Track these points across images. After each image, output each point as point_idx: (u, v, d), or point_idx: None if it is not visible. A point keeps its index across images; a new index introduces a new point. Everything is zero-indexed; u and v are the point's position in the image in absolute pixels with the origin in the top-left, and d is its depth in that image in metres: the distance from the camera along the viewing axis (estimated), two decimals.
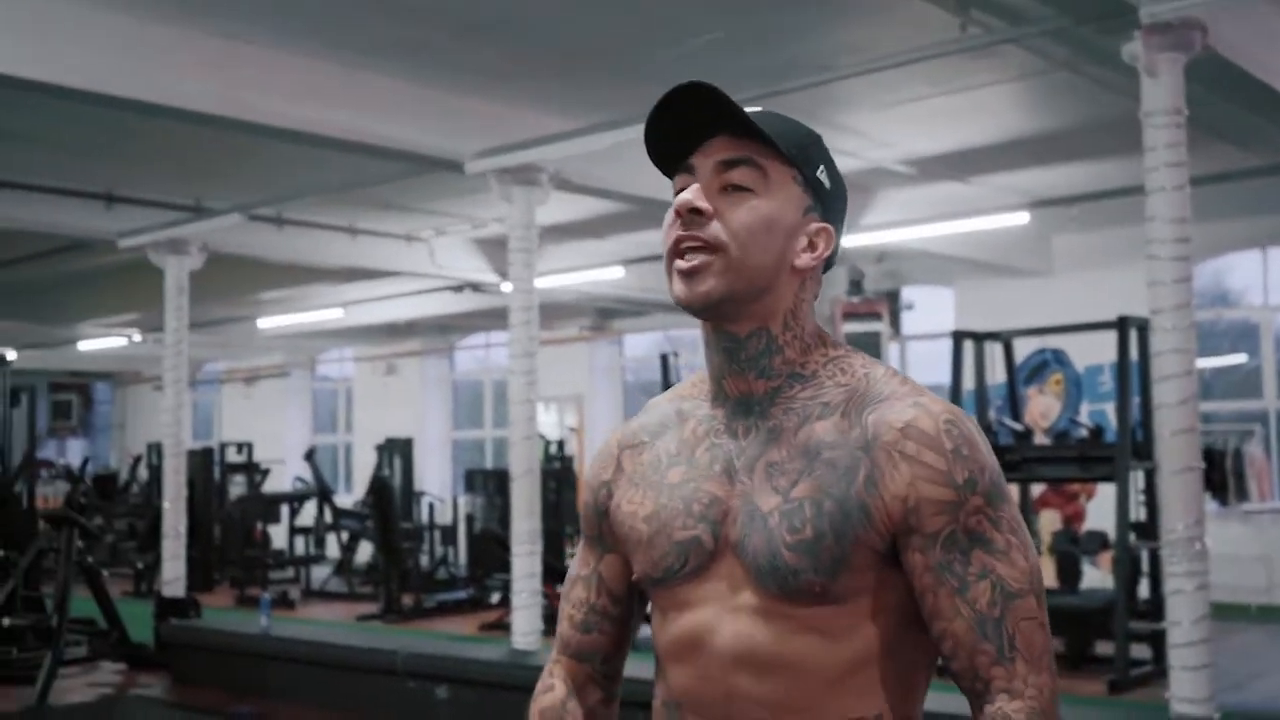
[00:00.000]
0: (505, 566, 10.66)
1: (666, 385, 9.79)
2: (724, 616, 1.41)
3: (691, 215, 1.41)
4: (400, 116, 7.00)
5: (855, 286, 11.32)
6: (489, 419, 16.64)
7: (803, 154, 1.44)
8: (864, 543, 1.36)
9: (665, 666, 1.49)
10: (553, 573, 10.12)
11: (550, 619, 9.14)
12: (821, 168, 1.46)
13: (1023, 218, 9.34)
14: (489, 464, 15.54)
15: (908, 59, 6.01)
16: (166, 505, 9.29)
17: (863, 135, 8.02)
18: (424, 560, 12.29)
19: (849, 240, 9.96)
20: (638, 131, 6.02)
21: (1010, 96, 7.30)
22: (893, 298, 12.21)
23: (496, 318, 13.94)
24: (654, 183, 6.52)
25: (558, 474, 11.68)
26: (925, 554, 1.35)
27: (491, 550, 10.89)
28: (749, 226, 1.40)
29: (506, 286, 11.17)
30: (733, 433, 1.47)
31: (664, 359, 10.00)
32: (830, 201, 1.48)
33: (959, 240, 9.99)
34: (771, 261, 1.42)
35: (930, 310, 12.71)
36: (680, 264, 1.42)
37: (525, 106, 7.36)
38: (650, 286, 12.43)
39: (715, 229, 1.40)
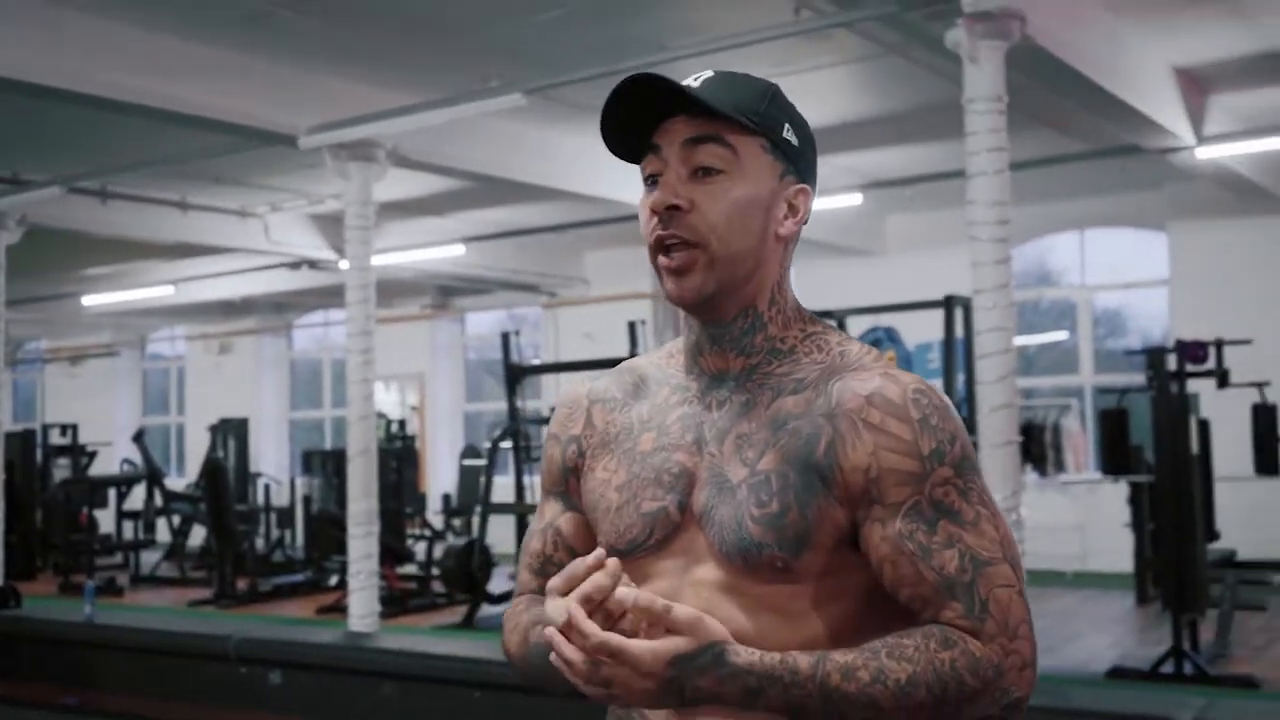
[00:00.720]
0: (343, 548, 10.50)
1: (508, 363, 9.73)
2: (684, 590, 1.36)
3: (669, 213, 1.36)
4: (233, 89, 6.82)
5: None
6: (328, 398, 16.33)
7: (766, 119, 1.38)
8: (827, 516, 1.32)
9: None
10: (391, 554, 10.01)
11: (388, 601, 9.07)
12: (786, 125, 1.40)
13: (856, 198, 9.55)
14: (328, 444, 15.25)
15: (744, 40, 6.08)
16: None
17: None
18: (260, 543, 12.03)
19: None
20: (478, 108, 5.98)
21: (844, 79, 7.48)
22: None
23: (335, 295, 13.68)
24: (494, 159, 6.49)
25: (399, 453, 11.52)
26: (884, 525, 1.31)
27: (329, 532, 10.70)
28: (727, 215, 1.36)
29: (344, 264, 11.00)
30: (706, 404, 1.43)
31: (505, 337, 9.92)
32: (801, 158, 1.42)
33: None
34: (754, 241, 1.38)
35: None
36: (666, 261, 1.37)
37: (362, 81, 7.25)
38: (491, 264, 12.35)
39: (694, 222, 1.35)
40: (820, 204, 9.63)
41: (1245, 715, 5.00)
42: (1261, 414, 8.06)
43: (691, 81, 1.37)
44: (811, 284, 12.04)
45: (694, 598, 1.34)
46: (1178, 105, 7.51)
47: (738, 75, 1.40)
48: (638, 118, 1.38)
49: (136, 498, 13.46)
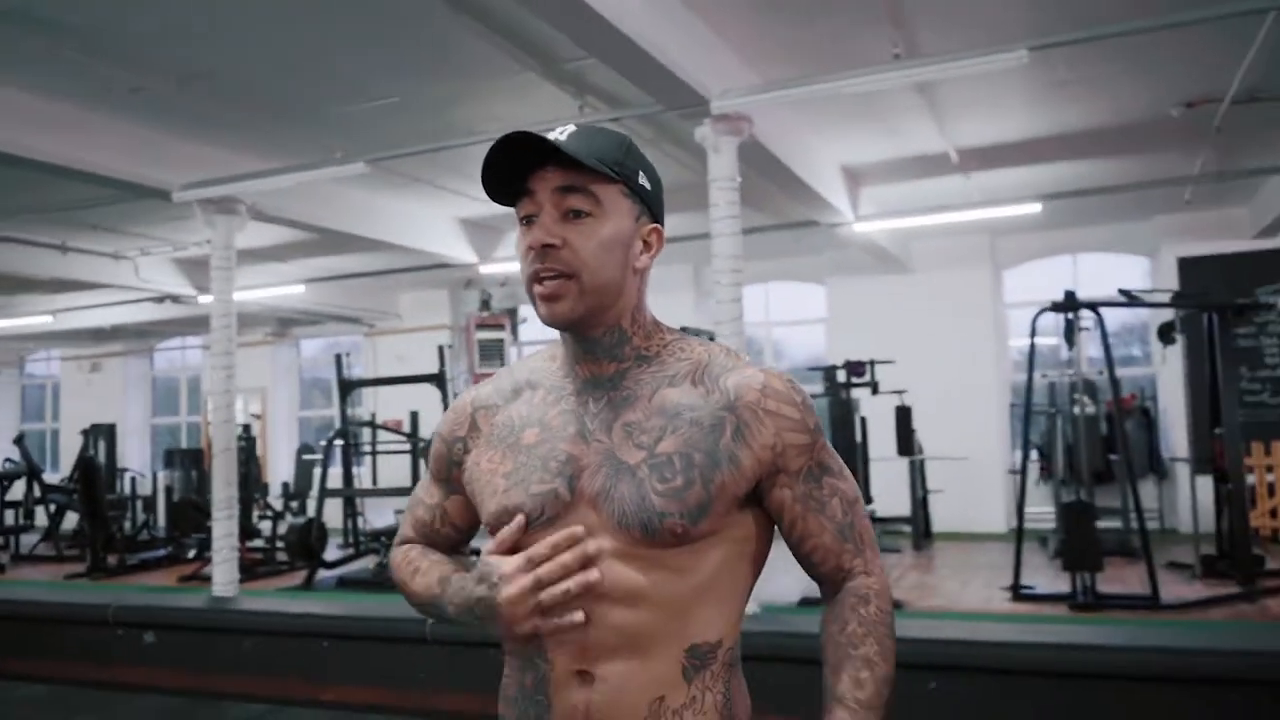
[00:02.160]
0: (200, 528, 9.62)
1: (341, 378, 9.14)
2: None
3: (545, 250, 1.19)
4: (117, 149, 6.06)
5: (484, 304, 11.07)
6: (184, 408, 15.03)
7: (624, 169, 1.22)
8: (728, 489, 1.20)
9: None
10: (242, 531, 9.23)
11: (244, 569, 8.31)
12: (640, 173, 1.25)
13: None
14: (184, 445, 14.04)
15: (536, 128, 5.84)
16: None
17: None
18: (127, 526, 10.86)
19: (487, 268, 9.77)
20: (325, 173, 5.44)
21: None
22: (512, 313, 12.06)
23: (192, 324, 12.61)
24: (333, 216, 5.96)
25: (246, 450, 10.63)
26: (792, 489, 1.25)
27: (189, 515, 9.77)
28: (595, 252, 1.20)
29: (205, 299, 10.08)
30: (583, 402, 1.26)
31: (338, 358, 9.34)
32: (653, 201, 1.27)
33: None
34: (618, 274, 1.23)
35: (538, 322, 12.65)
36: (540, 289, 1.21)
37: (227, 147, 6.61)
38: (324, 301, 11.62)
39: (567, 258, 1.19)
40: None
41: (903, 629, 5.09)
42: (901, 413, 8.40)
43: (558, 135, 1.21)
44: None
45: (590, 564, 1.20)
46: (842, 192, 7.73)
47: (596, 129, 1.24)
48: (513, 166, 1.22)
49: (17, 491, 11.95)
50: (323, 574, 8.55)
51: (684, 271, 10.78)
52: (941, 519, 9.62)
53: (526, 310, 12.67)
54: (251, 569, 9.04)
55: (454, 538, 1.41)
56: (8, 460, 12.48)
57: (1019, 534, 6.43)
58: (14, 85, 5.47)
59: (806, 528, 1.26)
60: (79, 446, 12.02)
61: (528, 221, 1.21)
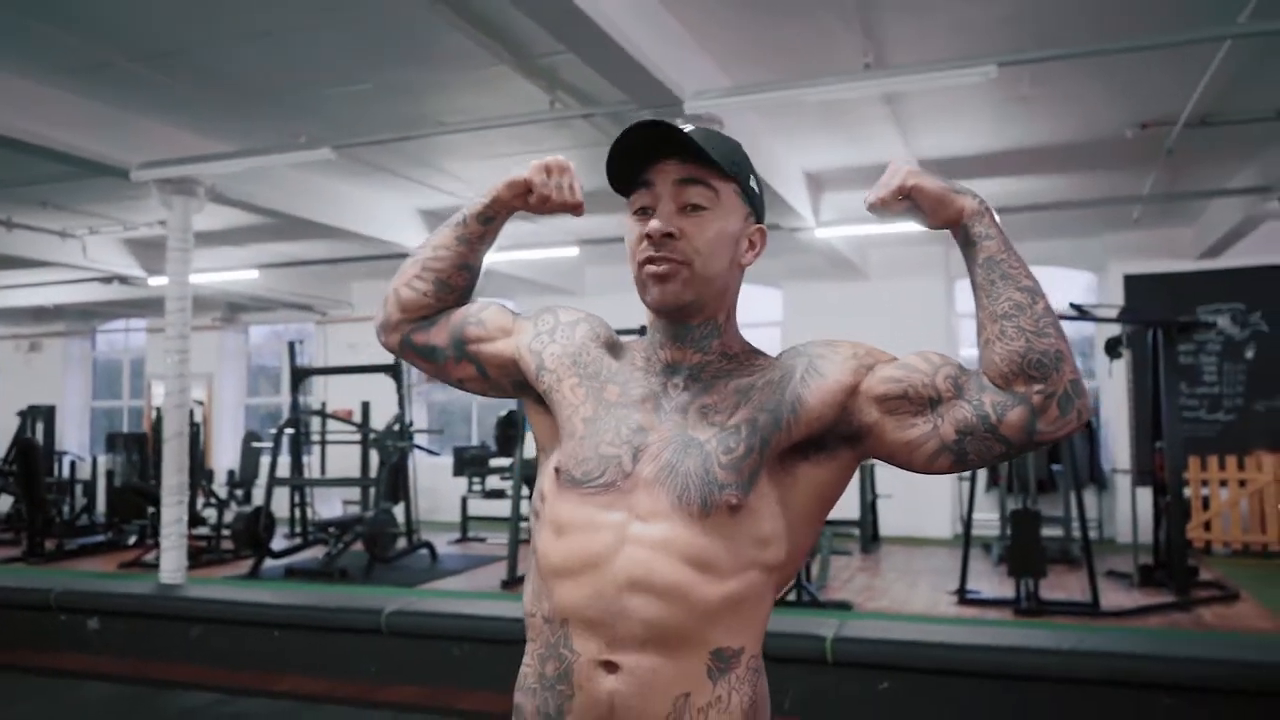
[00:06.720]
0: (141, 514, 9.45)
1: (294, 367, 9.04)
2: (624, 544, 1.19)
3: (663, 239, 1.23)
4: (76, 125, 5.94)
5: None
6: (126, 391, 14.72)
7: (739, 169, 1.27)
8: (779, 444, 1.21)
9: (551, 585, 1.23)
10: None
11: (192, 555, 8.18)
12: (751, 177, 1.30)
13: (573, 251, 9.46)
14: (125, 429, 13.74)
15: (505, 122, 5.86)
16: None
17: (463, 180, 7.77)
18: (65, 511, 10.62)
19: None
20: (290, 158, 5.42)
21: (580, 160, 7.33)
22: None
23: (138, 306, 12.36)
24: (292, 202, 5.97)
25: (191, 436, 10.44)
26: (877, 403, 1.24)
27: (131, 501, 9.58)
28: (710, 243, 1.24)
29: (155, 281, 9.91)
30: (662, 383, 1.29)
31: (291, 345, 9.25)
32: (759, 204, 1.32)
33: (523, 265, 9.98)
34: (726, 266, 1.27)
35: None
36: (653, 269, 1.23)
37: (190, 128, 6.50)
38: (275, 287, 11.48)
39: (682, 247, 1.23)
40: (545, 254, 9.61)
41: (857, 630, 5.16)
42: None
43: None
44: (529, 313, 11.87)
45: (633, 550, 1.18)
46: (805, 197, 7.83)
47: (712, 131, 1.28)
48: (635, 156, 1.26)
49: None
50: (269, 564, 8.46)
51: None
52: (889, 523, 9.79)
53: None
54: (196, 556, 8.91)
55: (468, 351, 1.38)
56: None
57: (966, 540, 6.56)
58: None
59: (905, 403, 1.20)
60: (15, 428, 11.72)
61: (643, 213, 1.25)
